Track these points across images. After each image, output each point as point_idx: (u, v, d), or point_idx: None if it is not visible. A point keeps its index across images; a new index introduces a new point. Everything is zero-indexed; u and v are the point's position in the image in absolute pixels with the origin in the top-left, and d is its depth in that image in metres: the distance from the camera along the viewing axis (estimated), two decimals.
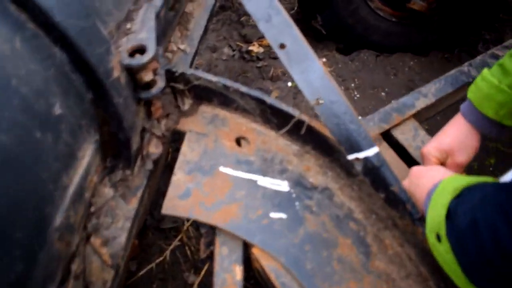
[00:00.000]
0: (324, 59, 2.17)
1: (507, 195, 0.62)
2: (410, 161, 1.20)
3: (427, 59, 2.36)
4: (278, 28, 0.89)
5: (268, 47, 2.17)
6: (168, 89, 1.16)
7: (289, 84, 2.03)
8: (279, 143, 1.09)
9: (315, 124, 0.97)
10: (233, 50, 2.13)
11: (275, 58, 2.13)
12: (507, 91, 0.89)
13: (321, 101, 0.86)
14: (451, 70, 1.41)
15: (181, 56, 1.36)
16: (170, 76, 1.10)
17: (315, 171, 1.05)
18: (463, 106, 1.00)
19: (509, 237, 0.55)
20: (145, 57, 0.88)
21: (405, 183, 0.88)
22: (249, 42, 2.17)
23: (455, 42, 2.39)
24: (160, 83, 0.98)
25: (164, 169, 1.54)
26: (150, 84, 0.96)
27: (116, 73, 0.82)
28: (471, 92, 0.97)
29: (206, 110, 1.16)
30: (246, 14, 2.30)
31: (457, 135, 0.98)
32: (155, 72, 0.99)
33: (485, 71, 0.96)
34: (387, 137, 1.24)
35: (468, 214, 0.64)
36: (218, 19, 2.26)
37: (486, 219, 0.60)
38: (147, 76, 0.93)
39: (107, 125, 0.90)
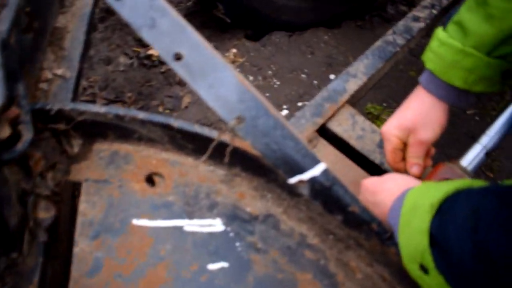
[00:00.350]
0: (234, 50, 1.97)
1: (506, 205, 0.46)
2: (354, 154, 1.06)
3: (341, 30, 2.26)
4: (168, 34, 0.67)
5: None
6: (48, 132, 0.90)
7: None
8: (200, 172, 0.88)
9: (240, 143, 0.77)
10: (131, 58, 1.87)
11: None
12: (475, 54, 0.77)
13: (242, 120, 0.66)
14: (376, 42, 1.28)
15: (60, 84, 1.10)
16: (45, 116, 0.85)
17: (251, 197, 0.86)
18: (423, 78, 0.87)
19: None
20: None
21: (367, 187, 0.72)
22: (146, 46, 1.91)
23: (364, 8, 2.31)
24: (27, 134, 0.74)
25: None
26: (13, 139, 0.72)
27: None
28: (431, 62, 0.84)
29: (102, 148, 0.92)
30: None
31: (420, 110, 0.86)
32: (16, 122, 0.74)
33: (441, 33, 0.83)
34: (324, 132, 1.08)
35: (468, 241, 0.48)
36: (106, 25, 1.98)
37: (499, 242, 0.44)
38: (3, 132, 0.68)
39: None
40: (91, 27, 1.31)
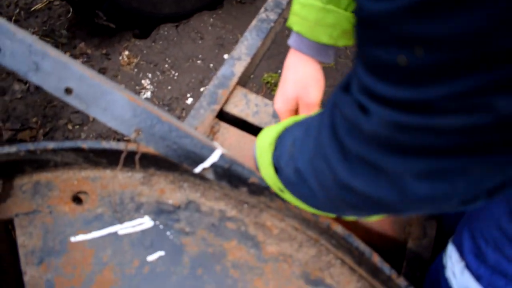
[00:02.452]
0: (126, 52, 2.02)
1: (306, 131, 0.62)
2: (253, 130, 1.20)
3: (224, 10, 2.36)
4: (53, 73, 0.75)
5: None
6: None
7: None
8: (120, 180, 0.98)
9: (146, 149, 0.88)
10: (25, 84, 1.85)
11: None
12: (334, 10, 0.84)
13: (140, 132, 0.77)
14: (252, 22, 1.40)
15: None
16: None
17: (170, 190, 0.97)
18: (292, 42, 0.94)
19: (330, 173, 0.51)
20: None
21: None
22: None
23: None
24: None
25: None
26: None
27: None
28: (297, 24, 0.90)
29: (23, 182, 0.99)
30: None
31: (297, 76, 0.93)
32: None
33: None
34: (223, 116, 1.21)
35: (290, 166, 0.64)
36: None
37: (305, 165, 0.59)
38: None
39: None
40: None
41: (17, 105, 1.79)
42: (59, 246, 0.90)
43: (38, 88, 1.85)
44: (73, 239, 0.91)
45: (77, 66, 0.77)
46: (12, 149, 0.90)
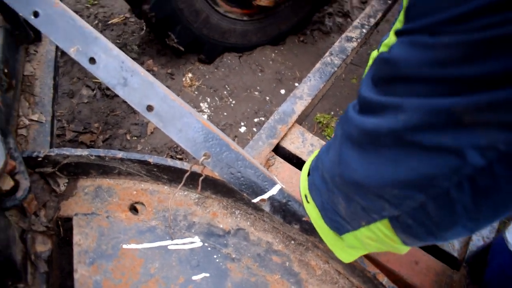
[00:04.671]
0: (190, 75, 2.11)
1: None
2: None
3: (286, 47, 2.43)
4: (139, 90, 0.81)
5: None
6: (36, 175, 1.02)
7: None
8: (176, 198, 1.02)
9: (208, 173, 0.92)
10: (93, 90, 1.96)
11: None
12: None
13: (209, 156, 0.81)
14: (317, 64, 1.46)
15: (37, 129, 1.20)
16: (33, 162, 0.97)
17: (223, 215, 1.00)
18: None
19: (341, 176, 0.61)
20: None
21: None
22: None
23: (304, 23, 2.50)
24: (24, 182, 0.86)
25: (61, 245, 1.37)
26: (12, 190, 0.83)
27: None
28: None
29: (86, 184, 1.05)
30: None
31: None
32: (13, 173, 0.85)
33: (374, 53, 0.98)
34: (279, 150, 1.24)
35: (316, 171, 0.74)
36: (65, 60, 2.06)
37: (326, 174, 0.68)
38: (6, 184, 0.80)
39: None
40: (57, 71, 1.42)
41: (83, 109, 1.89)
42: (111, 251, 0.94)
43: (103, 96, 1.95)
44: (125, 246, 0.95)
45: (161, 87, 0.83)
46: (84, 152, 0.96)
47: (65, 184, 1.05)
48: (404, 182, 0.48)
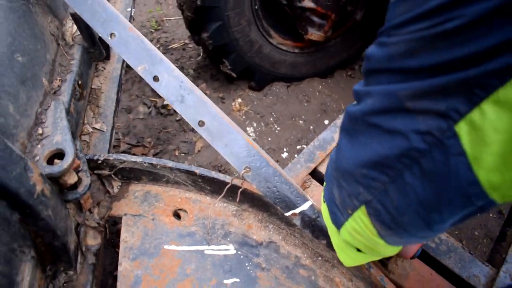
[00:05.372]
0: (239, 100, 2.23)
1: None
2: None
3: (333, 80, 2.52)
4: (194, 107, 0.92)
5: None
6: (94, 176, 1.14)
7: None
8: (216, 208, 1.11)
9: (247, 186, 1.00)
10: (149, 108, 2.12)
11: None
12: None
13: (249, 170, 0.90)
14: None
15: (98, 136, 1.34)
16: (94, 164, 1.09)
17: (257, 227, 1.08)
18: None
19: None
20: (65, 162, 0.87)
21: None
22: None
23: (353, 59, 2.59)
24: (86, 180, 0.97)
25: (106, 245, 1.49)
26: (75, 185, 0.95)
27: (39, 187, 0.80)
28: None
29: (137, 189, 1.16)
30: None
31: None
32: (78, 170, 0.97)
33: None
34: (315, 174, 1.31)
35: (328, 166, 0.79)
36: (126, 78, 2.25)
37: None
38: (71, 179, 0.92)
39: (40, 237, 0.86)
40: (120, 87, 1.58)
41: (138, 124, 2.05)
42: (153, 249, 1.03)
43: (158, 114, 2.11)
44: (166, 246, 1.04)
45: (213, 106, 0.93)
46: (139, 159, 1.08)
47: (118, 187, 1.16)
48: (369, 162, 0.55)
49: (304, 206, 0.89)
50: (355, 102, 0.65)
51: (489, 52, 0.37)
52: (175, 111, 2.13)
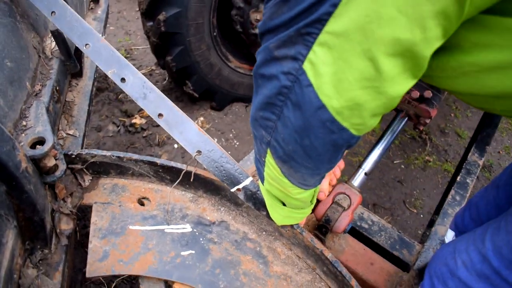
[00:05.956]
0: (202, 118, 2.43)
1: None
2: None
3: None
4: (154, 102, 1.11)
5: (149, 118, 2.37)
6: (68, 171, 1.30)
7: (175, 146, 2.24)
8: (175, 195, 1.28)
9: (200, 172, 1.19)
10: (118, 126, 2.29)
11: (157, 125, 2.35)
12: None
13: (200, 152, 1.09)
14: None
15: (72, 140, 1.50)
16: (68, 158, 1.25)
17: (210, 210, 1.26)
18: None
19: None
20: (46, 147, 1.04)
21: None
22: (131, 116, 2.35)
23: None
24: (62, 166, 1.13)
25: (76, 246, 1.62)
26: (53, 169, 1.11)
27: (24, 164, 0.96)
28: None
29: (106, 182, 1.32)
30: (123, 92, 2.50)
31: None
32: (55, 158, 1.14)
33: None
34: None
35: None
36: (97, 100, 2.42)
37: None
38: (50, 162, 1.08)
39: (22, 211, 1.02)
40: (91, 101, 1.75)
41: (107, 141, 2.21)
42: (120, 230, 1.19)
43: (126, 132, 2.28)
44: (131, 227, 1.20)
45: (169, 101, 1.13)
46: (108, 153, 1.25)
47: (89, 180, 1.32)
48: (262, 105, 0.69)
49: (246, 182, 1.09)
50: None
51: (307, 8, 0.55)
52: (142, 128, 2.30)
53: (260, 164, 0.89)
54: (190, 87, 2.29)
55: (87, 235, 1.26)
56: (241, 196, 1.11)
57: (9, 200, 0.97)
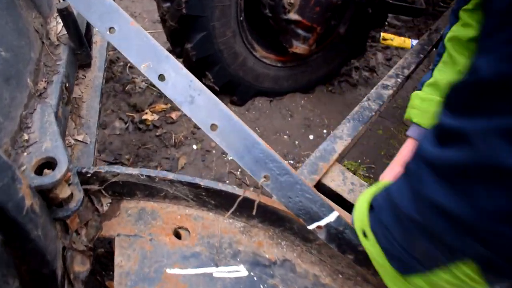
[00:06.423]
0: None
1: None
2: (347, 206, 1.21)
3: (315, 95, 2.48)
4: (206, 108, 0.82)
5: (162, 112, 2.07)
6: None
7: (195, 147, 1.95)
8: (221, 225, 1.00)
9: (263, 199, 0.91)
10: (125, 123, 1.99)
11: (173, 123, 2.04)
12: None
13: (268, 178, 0.80)
14: (355, 108, 1.48)
15: (82, 149, 1.21)
16: (82, 177, 0.96)
17: (268, 245, 0.98)
18: (412, 132, 1.02)
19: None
20: (58, 172, 0.75)
21: None
22: (140, 111, 2.05)
23: (333, 74, 2.57)
24: (78, 194, 0.85)
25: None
26: (67, 200, 0.82)
27: (28, 201, 0.67)
28: (416, 116, 1.00)
29: (130, 206, 1.03)
30: (130, 82, 2.19)
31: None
32: (68, 183, 0.85)
33: (421, 93, 1.00)
34: (319, 187, 1.23)
35: (386, 210, 0.70)
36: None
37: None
38: (63, 192, 0.79)
39: (26, 264, 0.73)
40: (102, 97, 1.45)
41: (114, 140, 1.91)
42: (154, 274, 0.91)
43: (135, 129, 1.97)
44: (169, 270, 0.91)
45: (226, 108, 0.83)
46: (135, 171, 0.96)
47: (108, 204, 1.03)
48: (503, 215, 0.46)
49: (330, 217, 0.81)
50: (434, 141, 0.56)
51: None
52: (154, 126, 2.00)
53: (415, 260, 0.66)
54: (211, 79, 1.99)
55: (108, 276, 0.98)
56: (321, 235, 0.83)
57: (8, 254, 0.68)
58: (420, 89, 1.07)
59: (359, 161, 2.19)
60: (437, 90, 1.00)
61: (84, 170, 0.95)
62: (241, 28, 1.90)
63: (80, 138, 1.24)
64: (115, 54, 2.35)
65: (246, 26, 1.94)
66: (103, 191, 1.01)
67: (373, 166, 2.17)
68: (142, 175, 0.96)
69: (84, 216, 0.99)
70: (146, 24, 2.76)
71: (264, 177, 0.81)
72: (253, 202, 0.91)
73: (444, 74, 1.00)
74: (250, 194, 0.91)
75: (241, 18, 1.88)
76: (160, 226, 0.99)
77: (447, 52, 1.02)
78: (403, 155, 1.03)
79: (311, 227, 0.82)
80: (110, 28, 0.83)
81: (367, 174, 2.12)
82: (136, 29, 0.83)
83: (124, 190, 1.02)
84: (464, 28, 0.97)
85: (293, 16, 1.91)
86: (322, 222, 0.82)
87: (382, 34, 2.45)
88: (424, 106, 1.00)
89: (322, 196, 0.83)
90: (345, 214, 1.15)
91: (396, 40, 2.47)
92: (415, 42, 2.50)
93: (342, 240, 0.83)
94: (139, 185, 1.00)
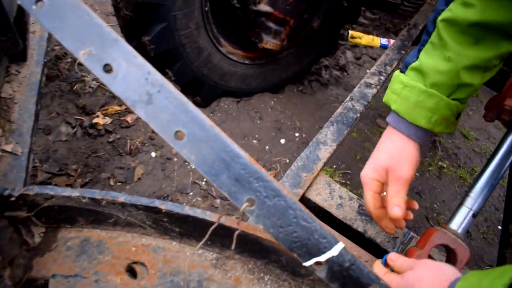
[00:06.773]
0: None
1: None
2: (335, 223, 1.03)
3: (285, 95, 2.31)
4: (168, 110, 0.61)
5: (116, 115, 1.82)
6: (4, 221, 0.77)
7: (153, 154, 1.72)
8: (188, 257, 0.79)
9: (244, 226, 0.71)
10: (73, 127, 1.73)
11: (128, 127, 1.80)
12: (437, 95, 0.83)
13: (253, 202, 0.60)
14: (338, 109, 1.31)
15: (10, 162, 0.98)
16: (4, 201, 0.73)
17: (248, 281, 0.78)
18: (390, 119, 0.90)
19: None
20: None
21: (397, 283, 0.68)
22: (91, 113, 1.79)
23: (304, 73, 2.40)
24: None
25: None
26: None
27: None
28: (395, 103, 0.88)
29: (70, 236, 0.81)
30: (79, 81, 1.93)
31: (392, 149, 0.88)
32: None
33: (403, 76, 0.88)
34: (303, 202, 1.05)
35: None
36: (45, 92, 1.84)
37: None
38: None
39: None
40: (40, 98, 1.21)
41: (59, 148, 1.65)
42: None
43: (85, 135, 1.72)
44: None
45: (195, 109, 0.63)
46: (74, 193, 0.74)
47: (41, 235, 0.81)
48: None
49: (333, 251, 0.62)
50: None
51: None
52: (107, 130, 1.75)
53: None
54: (171, 77, 1.77)
55: None
56: (321, 273, 0.64)
57: None
58: (403, 71, 0.92)
59: (334, 166, 2.03)
60: (421, 76, 0.86)
61: (6, 193, 0.73)
62: (206, 20, 1.69)
63: (8, 148, 1.00)
64: (62, 49, 2.08)
65: (211, 18, 1.73)
66: (34, 219, 0.78)
67: (349, 171, 2.02)
68: (83, 197, 0.74)
69: (7, 252, 0.75)
70: (98, 15, 2.48)
71: (248, 201, 0.61)
72: (231, 231, 0.71)
73: (431, 58, 0.86)
74: (226, 221, 0.71)
75: (206, 9, 1.67)
76: (109, 262, 0.77)
77: (437, 33, 0.87)
78: (382, 150, 0.90)
79: (308, 263, 0.63)
80: (36, 0, 0.61)
81: (343, 181, 1.96)
82: (73, 3, 0.61)
83: (61, 216, 0.79)
84: (464, 9, 0.80)
85: (264, 7, 1.72)
86: (323, 258, 0.63)
87: (350, 32, 2.32)
88: (404, 93, 0.87)
89: (321, 223, 0.64)
90: (351, 245, 0.97)
91: (365, 39, 2.35)
92: (383, 40, 2.39)
93: (348, 278, 0.64)
94: (81, 210, 0.78)
